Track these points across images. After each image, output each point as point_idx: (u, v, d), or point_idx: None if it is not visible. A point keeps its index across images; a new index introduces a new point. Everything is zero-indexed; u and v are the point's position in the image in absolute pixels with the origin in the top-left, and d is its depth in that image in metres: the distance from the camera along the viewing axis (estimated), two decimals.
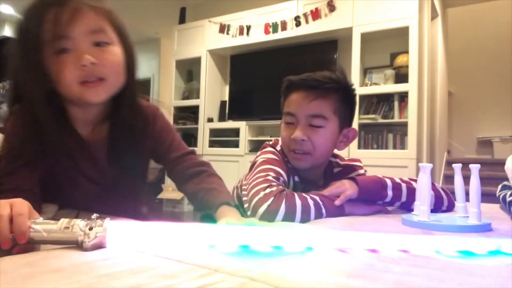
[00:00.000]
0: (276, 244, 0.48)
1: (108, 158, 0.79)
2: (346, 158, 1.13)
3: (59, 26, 0.65)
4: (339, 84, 0.97)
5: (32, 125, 0.70)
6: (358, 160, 1.12)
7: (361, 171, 1.08)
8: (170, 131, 0.86)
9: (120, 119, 0.77)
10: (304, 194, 0.85)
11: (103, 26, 0.70)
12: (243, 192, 0.88)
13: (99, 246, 0.46)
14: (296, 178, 1.00)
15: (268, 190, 0.82)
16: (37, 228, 0.46)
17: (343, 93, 0.98)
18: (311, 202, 0.83)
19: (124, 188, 0.82)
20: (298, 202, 0.81)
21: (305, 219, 0.80)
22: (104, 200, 0.80)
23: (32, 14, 0.68)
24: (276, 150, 1.00)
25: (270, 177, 0.87)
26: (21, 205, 0.47)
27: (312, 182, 1.03)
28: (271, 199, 0.80)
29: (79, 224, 0.46)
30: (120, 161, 0.78)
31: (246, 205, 0.84)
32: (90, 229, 0.45)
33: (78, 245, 0.45)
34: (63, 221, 0.46)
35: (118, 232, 0.47)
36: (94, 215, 0.47)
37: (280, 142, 1.03)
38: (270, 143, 1.04)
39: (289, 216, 0.79)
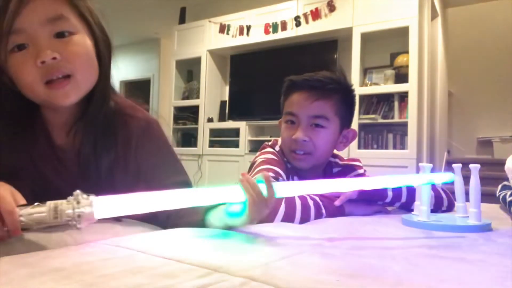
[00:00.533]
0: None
1: (78, 169, 0.64)
2: (345, 158, 1.13)
3: (8, 18, 0.54)
4: (340, 85, 0.98)
5: None
6: (358, 160, 1.12)
7: (361, 171, 1.08)
8: (164, 150, 0.70)
9: (89, 121, 0.64)
10: (303, 194, 0.85)
11: (62, 13, 0.58)
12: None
13: (89, 221, 0.47)
14: (296, 178, 1.00)
15: None
16: (27, 222, 0.46)
17: (343, 94, 0.98)
18: (311, 202, 0.83)
19: None
20: (298, 202, 0.81)
21: (305, 219, 0.80)
22: None
23: None
24: (275, 150, 1.00)
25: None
26: (7, 198, 0.46)
27: None
28: None
29: (67, 211, 0.46)
30: (92, 175, 0.64)
31: None
32: (79, 216, 0.46)
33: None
34: (50, 209, 0.46)
35: (105, 205, 0.48)
36: (76, 193, 0.46)
37: (279, 143, 1.03)
38: (269, 143, 1.04)
39: (289, 216, 0.79)
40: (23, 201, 0.48)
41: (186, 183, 0.69)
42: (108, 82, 0.66)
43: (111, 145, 0.65)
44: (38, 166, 0.63)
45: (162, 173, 0.67)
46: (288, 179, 0.96)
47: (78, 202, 0.46)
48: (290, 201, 0.80)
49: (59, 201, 0.47)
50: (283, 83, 1.03)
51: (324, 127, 0.95)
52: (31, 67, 0.56)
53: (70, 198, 0.46)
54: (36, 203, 0.47)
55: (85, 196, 0.47)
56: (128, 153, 0.66)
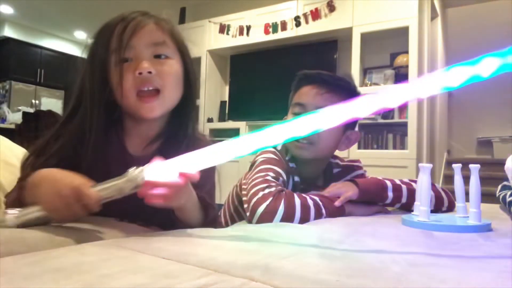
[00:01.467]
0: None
1: None
2: (345, 159, 1.13)
3: (124, 36, 0.68)
4: (349, 84, 1.01)
5: (77, 134, 0.69)
6: (358, 161, 1.13)
7: (361, 172, 1.09)
8: (211, 172, 0.79)
9: (173, 135, 0.74)
10: (303, 194, 0.85)
11: (164, 40, 0.71)
12: (243, 192, 0.88)
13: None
14: (296, 178, 1.00)
15: (267, 191, 0.82)
16: (105, 194, 0.55)
17: (351, 93, 0.99)
18: (310, 202, 0.83)
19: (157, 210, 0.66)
20: (298, 201, 0.81)
21: (304, 219, 0.80)
22: (135, 217, 0.70)
23: (104, 29, 0.72)
24: (276, 149, 1.00)
25: (269, 177, 0.87)
26: (76, 178, 0.55)
27: (312, 183, 1.03)
28: (270, 199, 0.80)
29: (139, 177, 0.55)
30: None
31: (245, 205, 0.84)
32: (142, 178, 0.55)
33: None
34: (121, 180, 0.55)
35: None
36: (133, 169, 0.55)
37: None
38: None
39: (289, 216, 0.79)
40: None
41: (213, 207, 0.75)
42: (192, 106, 0.77)
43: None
44: (109, 168, 0.66)
45: (200, 188, 0.71)
46: (288, 179, 0.96)
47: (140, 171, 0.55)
48: (289, 201, 0.80)
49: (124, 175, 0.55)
50: (295, 77, 1.04)
51: None
52: (131, 76, 0.67)
53: (130, 170, 0.55)
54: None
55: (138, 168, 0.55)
56: None
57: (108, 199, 0.55)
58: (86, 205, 0.54)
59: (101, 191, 0.55)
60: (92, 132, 0.68)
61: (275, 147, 1.02)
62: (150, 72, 0.67)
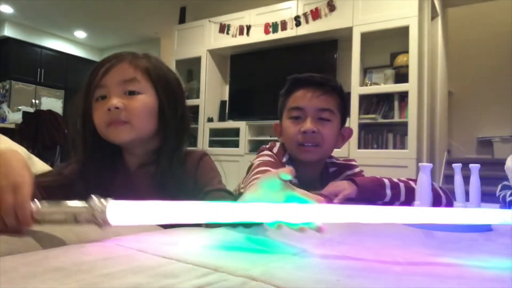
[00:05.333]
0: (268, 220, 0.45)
1: (150, 191, 0.80)
2: (341, 159, 1.14)
3: (99, 76, 0.76)
4: (337, 84, 1.05)
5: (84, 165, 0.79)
6: (353, 160, 1.14)
7: (357, 170, 1.09)
8: (211, 171, 0.86)
9: (161, 167, 0.80)
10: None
11: (135, 77, 0.77)
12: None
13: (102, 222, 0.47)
14: (294, 181, 1.00)
15: None
16: (42, 219, 0.46)
17: (341, 92, 1.05)
18: None
19: None
20: None
21: None
22: None
23: (91, 70, 0.80)
24: (273, 152, 1.01)
25: None
26: (24, 189, 0.46)
27: (310, 185, 1.03)
28: None
29: (85, 217, 0.46)
30: (162, 195, 0.76)
31: None
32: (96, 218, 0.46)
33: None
34: (67, 214, 0.47)
35: (121, 210, 0.46)
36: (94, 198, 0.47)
37: (277, 145, 1.03)
38: (267, 146, 1.05)
39: None
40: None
41: (227, 190, 0.82)
42: (172, 137, 0.81)
43: (176, 179, 0.80)
44: (115, 187, 0.79)
45: (209, 183, 0.81)
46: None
47: (93, 208, 0.46)
48: None
49: (76, 206, 0.47)
50: (285, 82, 1.05)
51: (329, 120, 1.00)
52: (102, 112, 0.75)
53: (90, 201, 0.46)
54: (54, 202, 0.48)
55: (102, 201, 0.46)
56: (189, 179, 0.82)
57: (52, 223, 0.47)
58: (16, 216, 0.45)
59: (46, 208, 0.47)
60: (94, 159, 0.79)
61: (271, 151, 1.02)
62: (117, 108, 0.74)
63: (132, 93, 0.77)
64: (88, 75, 0.79)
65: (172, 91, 0.83)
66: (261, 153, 1.02)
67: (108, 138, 0.77)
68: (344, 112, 1.06)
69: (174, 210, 0.46)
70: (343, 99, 1.05)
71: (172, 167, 0.80)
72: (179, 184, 0.80)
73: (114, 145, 0.80)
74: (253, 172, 0.91)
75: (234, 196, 0.83)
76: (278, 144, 1.04)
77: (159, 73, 0.81)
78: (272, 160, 0.97)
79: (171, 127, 0.81)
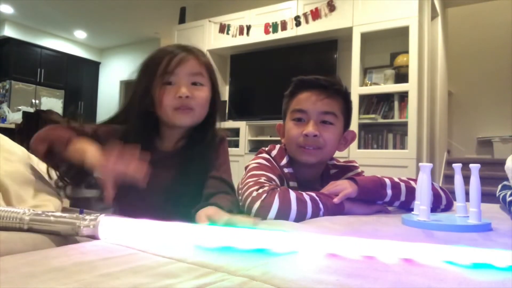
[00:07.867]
0: (259, 246, 0.48)
1: (179, 167, 0.92)
2: (341, 160, 1.14)
3: (170, 66, 0.87)
4: (342, 87, 1.04)
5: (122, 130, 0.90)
6: (354, 162, 1.13)
7: (358, 170, 1.09)
8: (225, 155, 0.98)
9: (199, 138, 0.94)
10: (299, 191, 0.85)
11: (201, 71, 0.90)
12: (239, 197, 0.89)
13: (92, 236, 0.50)
14: (293, 183, 1.00)
15: (260, 190, 0.83)
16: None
17: (345, 95, 1.04)
18: (307, 197, 0.82)
19: (185, 201, 0.84)
20: (293, 196, 0.81)
21: (301, 213, 0.80)
22: (163, 213, 0.73)
23: (154, 57, 0.91)
24: (270, 156, 1.01)
25: (262, 180, 0.88)
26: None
27: (310, 187, 1.03)
28: (264, 195, 0.80)
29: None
30: (189, 170, 0.92)
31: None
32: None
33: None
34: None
35: (111, 226, 0.50)
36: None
37: (276, 148, 1.03)
38: (266, 149, 1.05)
39: (284, 210, 0.79)
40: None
41: (230, 184, 0.92)
42: (215, 118, 0.97)
43: (204, 149, 0.93)
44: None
45: (217, 168, 0.92)
46: (282, 184, 0.96)
47: (79, 226, 0.51)
48: (284, 196, 0.80)
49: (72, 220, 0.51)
50: (290, 83, 1.05)
51: (332, 124, 0.99)
52: (172, 97, 0.87)
53: (81, 217, 0.51)
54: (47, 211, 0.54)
55: (92, 217, 0.51)
56: (211, 152, 0.95)
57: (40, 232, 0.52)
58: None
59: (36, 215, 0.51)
60: (134, 131, 0.89)
61: (269, 154, 1.02)
62: (187, 97, 0.86)
63: (194, 84, 0.89)
64: (153, 62, 0.89)
65: (218, 84, 0.97)
66: (258, 156, 1.02)
67: (171, 119, 0.88)
68: (348, 115, 1.05)
69: (160, 229, 0.50)
70: (348, 102, 1.04)
71: (209, 138, 0.94)
72: (206, 153, 0.93)
73: (156, 121, 0.92)
74: (248, 175, 0.92)
75: (233, 189, 0.92)
76: (277, 147, 1.04)
77: (213, 69, 0.95)
78: (268, 164, 0.97)
79: (215, 114, 0.96)
